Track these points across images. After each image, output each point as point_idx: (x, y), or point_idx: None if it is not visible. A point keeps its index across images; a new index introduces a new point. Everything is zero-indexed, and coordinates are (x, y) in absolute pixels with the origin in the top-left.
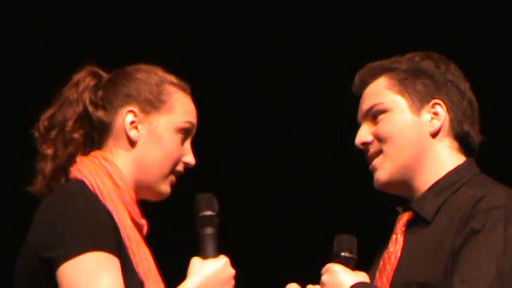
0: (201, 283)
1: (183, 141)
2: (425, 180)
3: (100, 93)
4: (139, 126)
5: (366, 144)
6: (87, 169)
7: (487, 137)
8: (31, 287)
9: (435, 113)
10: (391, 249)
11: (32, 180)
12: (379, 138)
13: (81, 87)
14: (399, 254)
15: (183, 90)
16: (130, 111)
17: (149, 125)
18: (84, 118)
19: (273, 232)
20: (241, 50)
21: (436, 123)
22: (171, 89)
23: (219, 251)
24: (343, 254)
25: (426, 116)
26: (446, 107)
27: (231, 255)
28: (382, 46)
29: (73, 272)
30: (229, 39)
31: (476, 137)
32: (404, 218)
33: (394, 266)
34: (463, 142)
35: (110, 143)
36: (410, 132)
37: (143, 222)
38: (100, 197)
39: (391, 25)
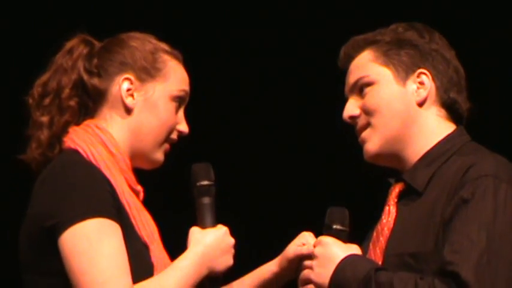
0: (202, 252)
1: (177, 109)
2: (415, 150)
3: (95, 60)
4: (135, 94)
5: (353, 117)
6: (80, 138)
7: (477, 105)
8: (36, 258)
9: (421, 82)
10: (384, 220)
11: (25, 148)
12: (367, 111)
13: (74, 55)
14: (392, 225)
15: (177, 58)
16: (127, 78)
17: (145, 92)
18: (79, 86)
19: (265, 204)
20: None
21: (422, 93)
22: (166, 57)
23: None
24: (335, 226)
25: (412, 85)
26: (431, 75)
27: (228, 224)
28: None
29: (74, 239)
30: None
31: (463, 103)
32: (396, 189)
33: (387, 237)
34: (450, 110)
35: (105, 111)
36: (397, 103)
37: (139, 188)
38: (96, 165)
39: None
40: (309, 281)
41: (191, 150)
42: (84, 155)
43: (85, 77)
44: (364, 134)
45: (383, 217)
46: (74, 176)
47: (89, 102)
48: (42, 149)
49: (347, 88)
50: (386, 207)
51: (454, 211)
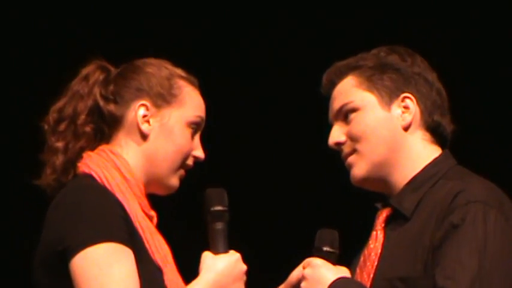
0: (214, 279)
1: (193, 135)
2: (402, 175)
3: (111, 87)
4: (151, 120)
5: (339, 144)
6: (94, 163)
7: (461, 128)
8: (49, 283)
9: (405, 107)
10: (372, 245)
11: (40, 174)
12: (353, 138)
13: (91, 81)
14: (380, 250)
15: (193, 84)
16: (143, 104)
17: (161, 118)
18: (95, 112)
19: (278, 231)
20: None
21: (407, 117)
22: (181, 82)
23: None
24: (325, 248)
25: (397, 110)
26: (415, 99)
27: (240, 249)
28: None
29: (84, 263)
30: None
31: (448, 126)
32: (383, 214)
33: (375, 262)
34: (435, 133)
35: (120, 136)
36: (383, 129)
37: (153, 213)
38: (109, 190)
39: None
40: None
41: (205, 174)
42: (98, 179)
43: (101, 103)
44: (351, 160)
45: (370, 242)
46: (86, 200)
47: (105, 127)
48: (56, 175)
49: (331, 114)
50: (374, 232)
51: (443, 236)
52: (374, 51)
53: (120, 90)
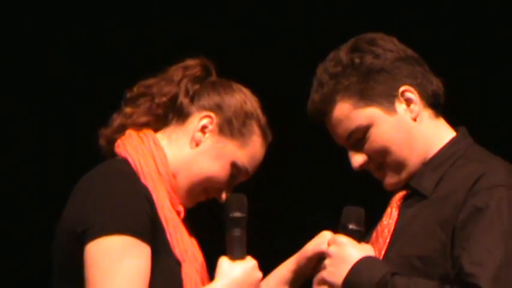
0: (229, 286)
1: (230, 177)
2: (420, 158)
3: (197, 86)
4: (207, 134)
5: (363, 165)
6: (133, 147)
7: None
8: (64, 262)
9: (407, 99)
10: (385, 222)
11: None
12: (376, 154)
13: (187, 72)
14: (393, 227)
15: (264, 137)
16: (210, 117)
17: (217, 141)
18: (174, 100)
19: (295, 238)
20: None
21: (414, 108)
22: (256, 129)
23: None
24: (350, 226)
25: (402, 107)
26: (411, 86)
27: (257, 257)
28: None
29: (98, 251)
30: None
31: (438, 87)
32: (400, 193)
33: (387, 239)
34: (435, 104)
35: (175, 130)
36: (399, 133)
37: (181, 208)
38: (141, 177)
39: None
40: (324, 281)
41: None
42: (132, 164)
43: (181, 93)
44: (381, 174)
45: (384, 218)
46: (115, 188)
47: (171, 115)
48: (110, 132)
49: (339, 140)
50: (389, 209)
51: (467, 219)
52: (340, 57)
53: (202, 93)
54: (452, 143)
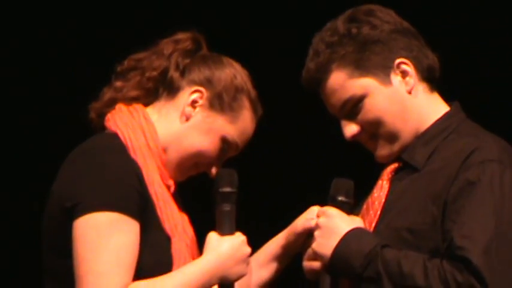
0: (216, 261)
1: (220, 151)
2: (412, 131)
3: (187, 60)
4: (197, 109)
5: (356, 135)
6: (123, 122)
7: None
8: (54, 237)
9: (403, 72)
10: (376, 194)
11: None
12: (368, 125)
13: (178, 46)
14: (383, 200)
15: (255, 112)
16: (200, 91)
17: (207, 116)
18: (165, 74)
19: (285, 213)
20: None
21: (410, 81)
22: (246, 103)
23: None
24: (339, 198)
25: (397, 79)
26: (407, 59)
27: (247, 232)
28: None
29: (86, 227)
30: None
31: (433, 61)
32: (392, 166)
33: (378, 211)
34: (430, 77)
35: (165, 105)
36: (393, 105)
37: (171, 182)
38: (131, 151)
39: None
40: (314, 254)
41: None
42: (122, 138)
43: (172, 67)
44: (373, 144)
45: (374, 191)
46: (105, 163)
47: (161, 89)
48: (100, 106)
49: (333, 110)
50: (380, 182)
51: (459, 192)
52: (337, 27)
53: (192, 67)
54: (445, 118)
